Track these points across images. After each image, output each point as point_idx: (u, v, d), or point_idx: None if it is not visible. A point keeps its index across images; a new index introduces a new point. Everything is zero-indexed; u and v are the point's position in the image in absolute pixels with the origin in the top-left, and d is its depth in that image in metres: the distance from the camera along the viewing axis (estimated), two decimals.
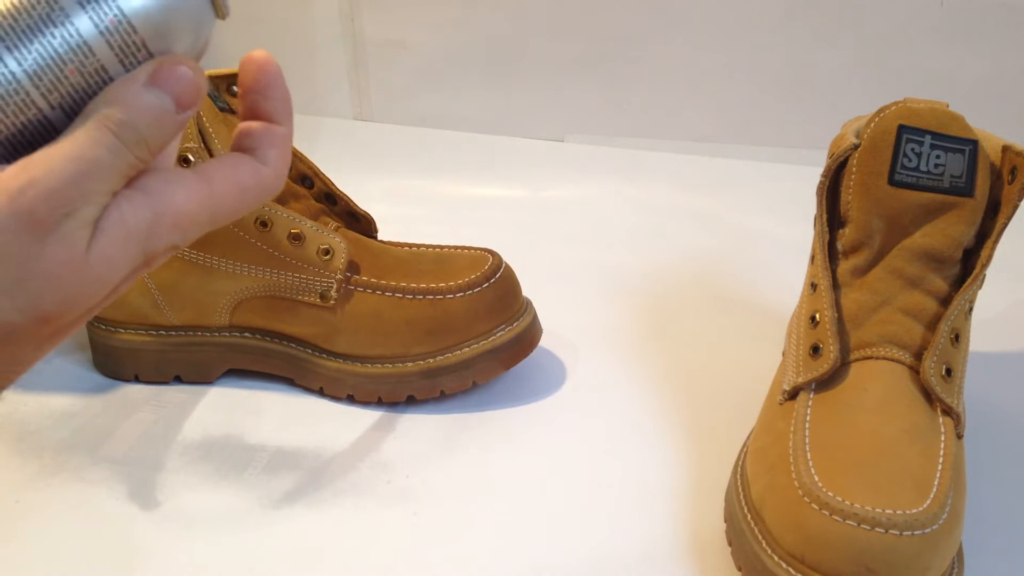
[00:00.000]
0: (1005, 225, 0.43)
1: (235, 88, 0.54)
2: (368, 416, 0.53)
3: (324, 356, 0.53)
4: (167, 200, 0.25)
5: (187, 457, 0.49)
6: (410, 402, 0.53)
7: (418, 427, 0.52)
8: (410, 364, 0.52)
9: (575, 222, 0.77)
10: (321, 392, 0.54)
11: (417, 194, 0.82)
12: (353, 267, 0.52)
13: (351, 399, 0.53)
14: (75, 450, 0.50)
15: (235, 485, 0.47)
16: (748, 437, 0.47)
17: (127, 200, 0.25)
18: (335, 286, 0.51)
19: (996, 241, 0.43)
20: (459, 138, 0.87)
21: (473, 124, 0.87)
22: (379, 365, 0.52)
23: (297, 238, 0.51)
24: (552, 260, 0.71)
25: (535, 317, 0.55)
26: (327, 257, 0.51)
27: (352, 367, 0.52)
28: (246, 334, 0.54)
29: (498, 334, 0.52)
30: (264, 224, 0.50)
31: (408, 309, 0.51)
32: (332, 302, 0.51)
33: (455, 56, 0.85)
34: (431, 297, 0.51)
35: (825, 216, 0.46)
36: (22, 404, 0.54)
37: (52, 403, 0.54)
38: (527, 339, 0.53)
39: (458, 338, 0.52)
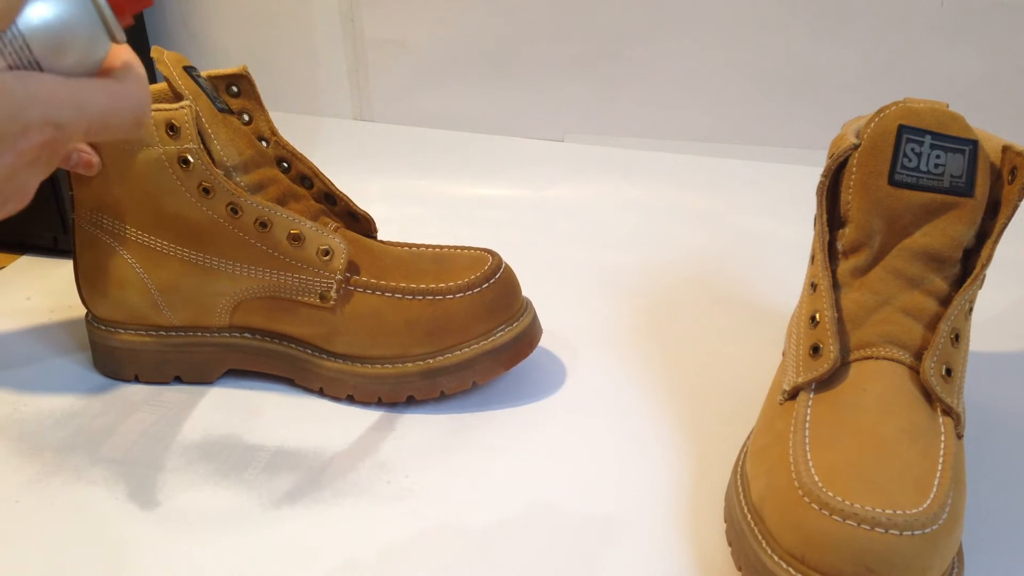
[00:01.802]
0: (1005, 225, 0.43)
1: (235, 88, 0.54)
2: (368, 416, 0.53)
3: (324, 356, 0.53)
4: (37, 80, 0.31)
5: (187, 457, 0.49)
6: (410, 402, 0.53)
7: (418, 427, 0.52)
8: (410, 364, 0.52)
9: (575, 222, 0.77)
10: (321, 392, 0.54)
11: (417, 194, 0.82)
12: (353, 268, 0.52)
13: (351, 399, 0.53)
14: (75, 450, 0.50)
15: (235, 485, 0.47)
16: (748, 437, 0.47)
17: (4, 72, 0.30)
18: (335, 287, 0.51)
19: (996, 241, 0.43)
20: (459, 138, 0.87)
21: (473, 124, 0.87)
22: (379, 365, 0.52)
23: (297, 239, 0.51)
24: (552, 260, 0.71)
25: (535, 317, 0.55)
26: (327, 258, 0.51)
27: (352, 367, 0.52)
28: (246, 334, 0.54)
29: (498, 334, 0.52)
30: (264, 225, 0.50)
31: (408, 310, 0.51)
32: (332, 302, 0.51)
33: (455, 56, 0.85)
34: (431, 297, 0.51)
35: (825, 216, 0.46)
36: (22, 404, 0.54)
37: (52, 403, 0.54)
38: (527, 339, 0.53)
39: (458, 338, 0.52)
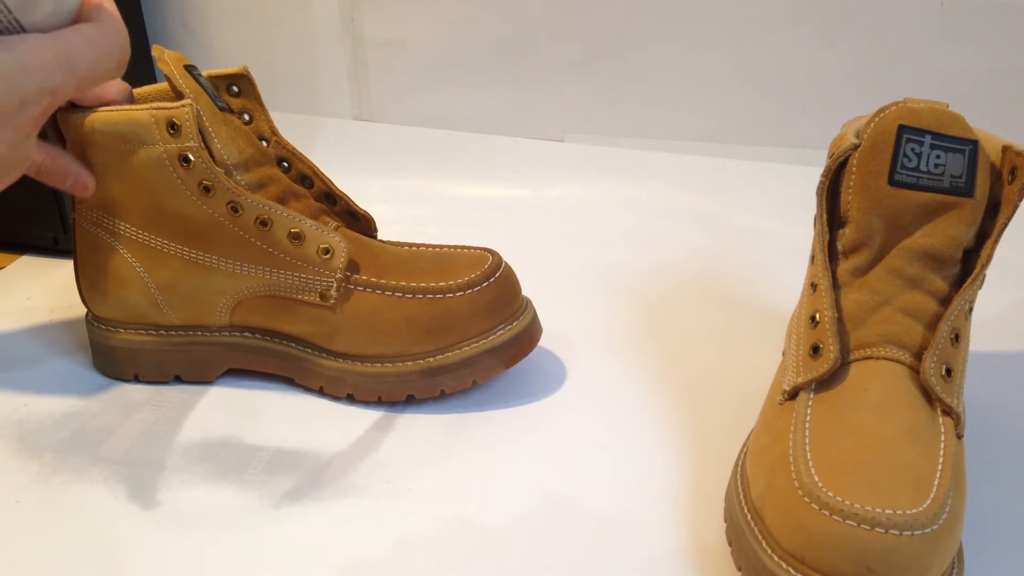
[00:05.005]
0: (1005, 225, 0.43)
1: (235, 88, 0.54)
2: (368, 416, 0.53)
3: (324, 355, 0.53)
4: (24, 45, 0.30)
5: (187, 457, 0.49)
6: (410, 401, 0.53)
7: (418, 427, 0.52)
8: (410, 363, 0.52)
9: (575, 222, 0.77)
10: (321, 391, 0.54)
11: (417, 194, 0.82)
12: (353, 266, 0.52)
13: (351, 398, 0.53)
14: (75, 450, 0.50)
15: (235, 485, 0.47)
16: (748, 437, 0.47)
17: None
18: (335, 285, 0.51)
19: (996, 241, 0.43)
20: (459, 138, 0.87)
21: (473, 124, 0.87)
22: (379, 364, 0.52)
23: (297, 237, 0.51)
24: (552, 260, 0.71)
25: (535, 316, 0.55)
26: (327, 256, 0.51)
27: (352, 366, 0.52)
28: (246, 333, 0.54)
29: (498, 333, 0.52)
30: (264, 223, 0.50)
31: (408, 308, 0.51)
32: (332, 301, 0.51)
33: (455, 56, 0.85)
34: (431, 296, 0.51)
35: (825, 216, 0.46)
36: (22, 404, 0.54)
37: (52, 403, 0.54)
38: (527, 338, 0.53)
39: (458, 337, 0.52)
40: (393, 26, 0.85)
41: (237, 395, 0.55)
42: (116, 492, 0.47)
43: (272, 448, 0.50)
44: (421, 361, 0.52)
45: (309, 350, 0.53)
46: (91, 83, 0.33)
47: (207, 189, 0.50)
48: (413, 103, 0.88)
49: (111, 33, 0.33)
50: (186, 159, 0.49)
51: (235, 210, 0.50)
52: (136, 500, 0.46)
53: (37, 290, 0.66)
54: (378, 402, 0.53)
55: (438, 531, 0.44)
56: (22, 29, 0.31)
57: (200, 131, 0.50)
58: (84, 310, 0.56)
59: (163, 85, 0.53)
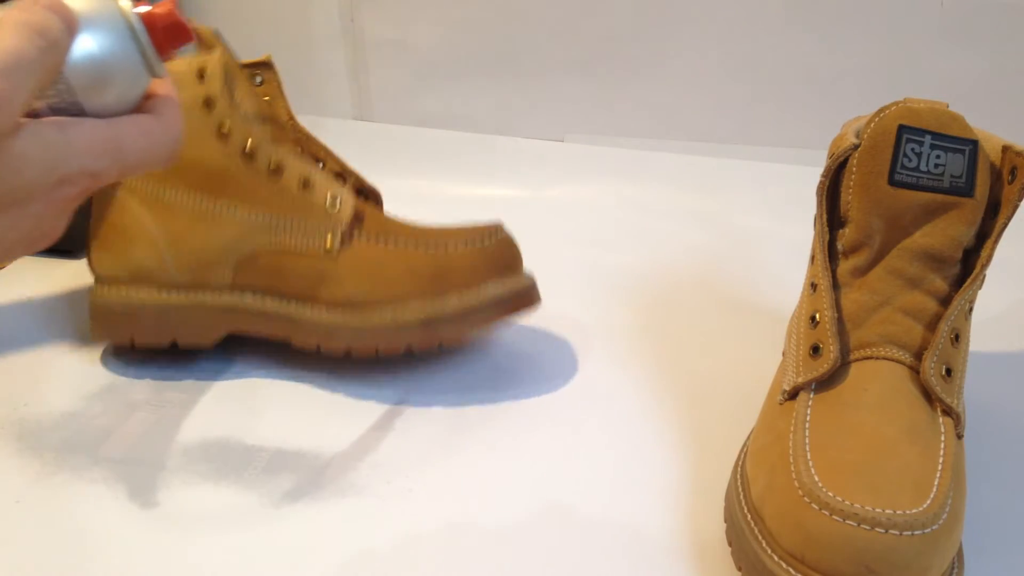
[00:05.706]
0: (1005, 225, 0.43)
1: (258, 78, 0.56)
2: (368, 416, 0.53)
3: (323, 308, 0.53)
4: (77, 128, 0.30)
5: (187, 457, 0.49)
6: (408, 354, 0.53)
7: (418, 426, 0.52)
8: (409, 314, 0.52)
9: (575, 222, 0.77)
10: (318, 350, 0.54)
11: (417, 194, 0.82)
12: (359, 216, 0.53)
13: (349, 354, 0.53)
14: (75, 450, 0.50)
15: (235, 485, 0.47)
16: (748, 437, 0.47)
17: (43, 124, 0.30)
18: (340, 233, 0.52)
19: (996, 241, 0.43)
20: (459, 138, 0.87)
21: (473, 124, 0.87)
22: (377, 315, 0.52)
23: (306, 184, 0.52)
24: (552, 260, 0.70)
25: (535, 283, 0.55)
26: (334, 205, 0.52)
27: (350, 319, 0.53)
28: (246, 293, 0.54)
29: (499, 286, 0.53)
30: (276, 170, 0.52)
31: (410, 258, 0.52)
32: (336, 250, 0.52)
33: (455, 56, 0.85)
34: (433, 249, 0.52)
35: (825, 216, 0.46)
36: (22, 404, 0.54)
37: (52, 403, 0.54)
38: (527, 295, 0.54)
39: (459, 288, 0.52)
40: (393, 26, 0.85)
41: (238, 395, 0.55)
42: (116, 492, 0.47)
43: (272, 448, 0.50)
44: (420, 312, 0.52)
45: (308, 305, 0.53)
46: (137, 172, 0.33)
47: (224, 135, 0.51)
48: (413, 103, 0.88)
49: (168, 127, 0.33)
50: (209, 102, 0.51)
51: (249, 154, 0.52)
52: (136, 500, 0.46)
53: (37, 290, 0.66)
54: (376, 355, 0.53)
55: (438, 531, 0.44)
56: (82, 110, 0.31)
57: (225, 78, 0.52)
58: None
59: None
